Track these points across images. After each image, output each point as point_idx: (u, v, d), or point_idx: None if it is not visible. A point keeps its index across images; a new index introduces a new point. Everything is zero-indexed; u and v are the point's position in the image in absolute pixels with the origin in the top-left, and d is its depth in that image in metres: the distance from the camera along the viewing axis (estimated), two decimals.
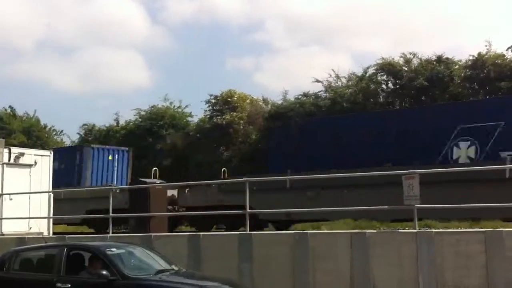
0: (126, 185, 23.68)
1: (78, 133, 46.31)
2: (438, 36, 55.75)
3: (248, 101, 40.25)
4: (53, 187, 16.76)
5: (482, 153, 16.94)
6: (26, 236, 12.97)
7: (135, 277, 7.96)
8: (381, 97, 34.82)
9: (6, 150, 15.82)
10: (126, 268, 8.11)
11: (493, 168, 13.07)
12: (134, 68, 69.97)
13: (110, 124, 44.52)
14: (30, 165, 15.97)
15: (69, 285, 8.07)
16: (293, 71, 62.14)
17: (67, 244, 9.38)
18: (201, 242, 10.91)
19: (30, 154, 16.37)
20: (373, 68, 34.78)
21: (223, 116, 38.43)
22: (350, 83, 35.94)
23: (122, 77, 68.79)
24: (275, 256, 10.14)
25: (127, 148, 28.56)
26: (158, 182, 14.20)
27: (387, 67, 33.94)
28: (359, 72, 35.82)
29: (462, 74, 32.09)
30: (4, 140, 17.01)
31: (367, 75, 35.09)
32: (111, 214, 12.73)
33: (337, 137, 20.25)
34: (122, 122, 44.37)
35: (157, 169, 23.45)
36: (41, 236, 12.78)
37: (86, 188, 23.16)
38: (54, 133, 48.37)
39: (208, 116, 40.76)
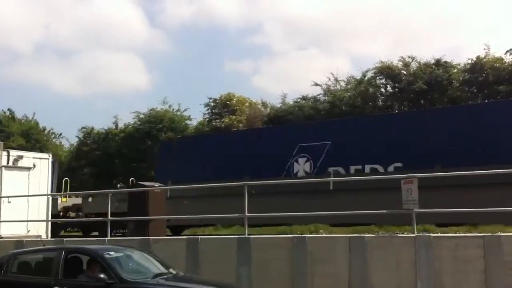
0: None
1: (77, 136, 46.34)
2: (437, 37, 56.02)
3: (247, 104, 40.32)
4: None
5: (315, 168, 19.59)
6: (24, 239, 12.95)
7: (133, 280, 7.94)
8: (380, 100, 34.89)
9: (4, 153, 15.82)
10: (124, 271, 8.09)
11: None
12: (133, 71, 70.08)
13: (109, 127, 44.54)
14: (29, 168, 15.97)
15: None
16: (292, 74, 62.27)
17: (65, 247, 9.35)
18: (199, 245, 10.89)
19: (28, 157, 16.37)
20: (372, 71, 34.92)
21: (222, 120, 38.49)
22: (349, 86, 36.02)
23: (121, 80, 68.87)
24: (274, 260, 10.13)
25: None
26: (157, 185, 14.14)
27: (386, 71, 34.02)
28: (358, 75, 35.98)
29: (461, 78, 32.18)
30: (2, 143, 17.00)
31: (366, 78, 35.18)
32: (109, 217, 12.74)
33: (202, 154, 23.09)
34: (121, 125, 44.40)
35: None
36: (39, 239, 12.76)
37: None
38: (53, 136, 48.35)
39: (207, 119, 40.83)
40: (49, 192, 16.47)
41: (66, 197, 24.48)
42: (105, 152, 41.19)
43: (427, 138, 17.24)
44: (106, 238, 12.35)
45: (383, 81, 34.90)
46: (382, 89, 35.23)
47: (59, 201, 23.66)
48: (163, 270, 8.63)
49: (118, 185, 29.37)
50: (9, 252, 9.51)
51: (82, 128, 45.93)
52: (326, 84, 36.78)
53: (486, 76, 30.82)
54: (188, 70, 72.27)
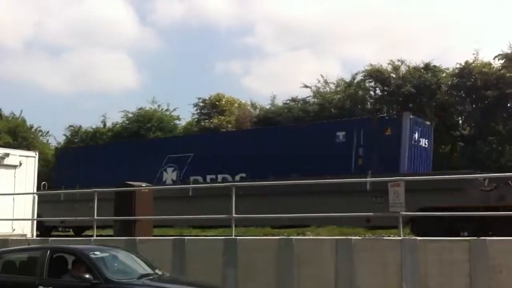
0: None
1: (64, 135, 46.08)
2: (427, 41, 56.28)
3: (236, 105, 40.35)
4: None
5: (180, 177, 21.91)
6: (9, 238, 12.84)
7: (118, 281, 7.89)
8: (369, 103, 35.04)
9: None
10: (109, 271, 8.04)
11: None
12: (123, 70, 69.82)
13: (97, 126, 44.34)
14: (15, 166, 15.84)
15: None
16: (282, 76, 62.37)
17: (51, 247, 9.27)
18: (185, 246, 10.86)
19: (15, 155, 16.23)
20: (362, 74, 35.04)
21: (211, 120, 38.46)
22: (338, 89, 36.16)
23: (110, 78, 68.62)
24: (260, 261, 10.13)
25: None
26: (144, 185, 14.09)
27: (375, 74, 34.18)
28: (348, 78, 36.08)
29: (449, 82, 32.38)
30: None
31: (356, 81, 35.33)
32: (95, 217, 12.68)
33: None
34: (109, 124, 44.23)
35: None
36: (24, 238, 12.65)
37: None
38: (40, 134, 48.02)
39: (196, 119, 40.80)
40: (35, 191, 16.34)
41: None
42: None
43: (265, 152, 20.02)
44: (92, 238, 12.30)
45: (372, 84, 35.06)
46: (371, 92, 35.41)
47: None
48: (149, 270, 8.60)
49: None
50: None
51: (70, 126, 45.73)
52: (315, 86, 36.93)
53: (475, 81, 31.04)
54: (178, 69, 72.25)
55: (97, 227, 19.57)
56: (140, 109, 42.36)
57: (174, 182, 21.34)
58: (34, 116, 75.43)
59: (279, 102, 37.88)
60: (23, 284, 8.33)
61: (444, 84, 32.52)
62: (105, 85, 68.73)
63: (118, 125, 42.97)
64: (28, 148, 32.39)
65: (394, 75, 34.03)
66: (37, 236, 16.08)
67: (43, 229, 20.62)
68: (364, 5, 60.79)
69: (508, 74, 30.53)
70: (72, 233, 24.38)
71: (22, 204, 15.40)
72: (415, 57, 48.98)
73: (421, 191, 14.00)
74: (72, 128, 45.58)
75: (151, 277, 8.33)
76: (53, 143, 47.30)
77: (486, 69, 31.29)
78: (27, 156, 16.51)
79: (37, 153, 17.30)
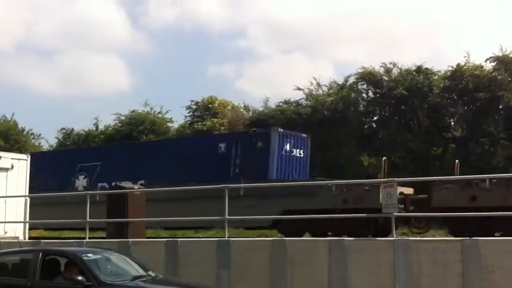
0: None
1: (56, 137, 45.92)
2: (419, 44, 56.42)
3: (229, 107, 40.38)
4: None
5: (90, 183, 23.61)
6: (1, 240, 12.77)
7: (111, 283, 7.87)
8: (361, 106, 35.15)
9: None
10: (102, 274, 8.02)
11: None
12: (115, 73, 69.50)
13: (89, 128, 44.22)
14: (6, 169, 15.74)
15: None
16: (275, 78, 62.28)
17: (43, 249, 9.25)
18: (179, 248, 10.84)
19: (6, 158, 16.11)
20: (354, 77, 35.15)
21: (204, 122, 38.45)
22: (331, 91, 36.25)
23: (102, 81, 68.20)
24: (253, 262, 10.13)
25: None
26: (137, 187, 14.05)
27: (368, 76, 34.30)
28: (340, 80, 36.18)
29: (441, 85, 32.55)
30: None
31: (348, 83, 35.43)
32: (88, 219, 12.64)
33: None
34: (101, 127, 44.11)
35: None
36: (16, 240, 12.60)
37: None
38: (32, 136, 47.84)
39: (189, 122, 40.77)
40: (27, 194, 16.26)
41: None
42: None
43: (163, 161, 22.20)
44: (85, 240, 12.25)
45: (364, 86, 35.19)
46: (364, 95, 35.52)
47: None
48: (142, 272, 8.57)
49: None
50: None
51: (62, 129, 45.57)
52: (308, 88, 37.02)
53: (466, 83, 31.25)
54: (170, 72, 72.04)
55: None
56: (132, 111, 42.31)
57: (85, 188, 22.94)
58: (26, 119, 74.72)
59: (272, 104, 37.99)
60: (16, 286, 8.29)
61: (436, 87, 32.70)
62: (98, 88, 68.50)
63: (110, 128, 42.87)
64: (20, 151, 32.25)
65: (386, 78, 34.18)
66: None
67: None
68: (356, 8, 60.96)
69: (499, 77, 30.77)
70: None
71: (14, 206, 15.31)
72: (407, 60, 49.13)
73: (285, 196, 16.56)
74: (64, 130, 45.46)
75: (144, 278, 8.31)
76: (45, 146, 47.18)
77: (477, 72, 31.50)
78: (19, 159, 16.39)
79: (29, 156, 17.20)
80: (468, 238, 9.47)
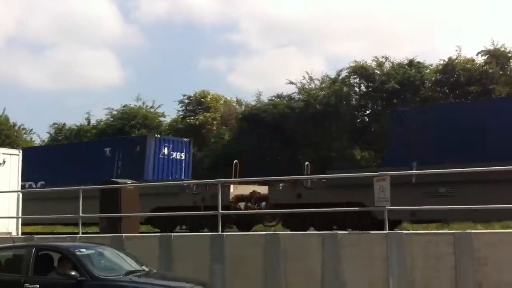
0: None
1: (48, 132, 45.71)
2: (412, 39, 56.51)
3: (221, 101, 40.30)
4: None
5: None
6: None
7: (105, 278, 7.87)
8: (353, 99, 35.18)
9: None
10: (95, 268, 8.02)
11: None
12: (107, 67, 69.33)
13: (81, 123, 44.04)
14: None
15: (38, 286, 7.94)
16: (267, 72, 62.33)
17: (36, 245, 9.22)
18: (172, 242, 10.84)
19: None
20: (346, 71, 35.16)
21: (196, 117, 38.38)
22: (323, 85, 36.24)
23: (94, 75, 68.01)
24: (247, 257, 10.13)
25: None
26: (130, 182, 14.03)
27: (360, 70, 34.32)
28: (332, 74, 36.17)
29: (433, 78, 32.62)
30: None
31: (340, 77, 35.42)
32: (80, 214, 12.60)
33: None
34: (93, 122, 43.95)
35: None
36: (9, 236, 12.54)
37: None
38: (23, 131, 47.60)
39: (181, 116, 40.68)
40: (19, 189, 16.18)
41: None
42: None
43: (65, 163, 23.89)
44: (78, 235, 12.22)
45: (357, 80, 35.20)
46: (356, 88, 35.54)
47: None
48: (136, 267, 8.57)
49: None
50: None
51: (54, 124, 45.38)
52: (300, 82, 36.99)
53: (458, 76, 31.34)
54: (162, 66, 71.89)
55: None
56: (124, 106, 42.19)
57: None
58: (18, 114, 74.72)
59: (265, 98, 37.96)
60: (9, 282, 8.26)
61: (428, 80, 32.78)
62: (90, 82, 68.27)
63: (102, 123, 42.72)
64: (11, 146, 32.07)
65: (378, 72, 34.21)
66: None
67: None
68: (348, 4, 61.04)
69: (490, 70, 30.86)
70: None
71: (7, 202, 15.24)
72: (399, 54, 49.23)
73: (155, 194, 18.06)
74: (56, 125, 45.27)
75: (138, 273, 8.31)
76: (37, 140, 46.99)
77: (469, 65, 31.59)
78: (10, 154, 16.30)
79: (21, 151, 17.11)
80: (460, 231, 9.52)
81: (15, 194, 15.46)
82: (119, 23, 73.92)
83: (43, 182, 23.69)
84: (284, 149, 32.66)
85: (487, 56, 31.96)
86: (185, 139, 25.93)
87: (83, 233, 13.28)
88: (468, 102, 27.10)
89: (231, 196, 18.49)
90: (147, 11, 73.80)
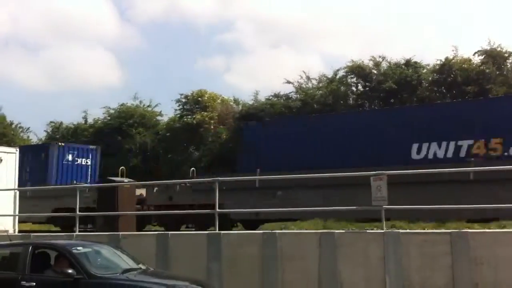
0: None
1: (45, 131, 45.66)
2: (408, 38, 56.59)
3: (219, 101, 40.25)
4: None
5: None
6: None
7: (101, 276, 7.86)
8: (351, 99, 35.22)
9: None
10: (92, 267, 8.01)
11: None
12: (104, 66, 69.31)
13: (78, 122, 44.00)
14: None
15: (34, 284, 7.93)
16: (265, 72, 62.39)
17: (33, 242, 9.21)
18: (169, 241, 10.82)
19: None
20: (343, 70, 35.18)
21: (194, 116, 38.34)
22: (320, 85, 36.26)
23: (91, 75, 68.01)
24: (244, 256, 10.12)
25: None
26: (126, 181, 14.05)
27: (357, 70, 34.36)
28: (330, 74, 36.19)
29: (430, 78, 32.66)
30: None
31: (337, 77, 35.44)
32: (78, 212, 12.58)
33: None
34: (90, 120, 43.90)
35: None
36: (6, 234, 12.52)
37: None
38: (20, 130, 47.55)
39: (179, 115, 40.64)
40: (16, 187, 16.16)
41: None
42: None
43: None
44: (75, 234, 12.20)
45: (354, 80, 35.24)
46: (353, 88, 35.59)
47: None
48: (132, 265, 8.56)
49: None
50: None
51: (51, 122, 45.31)
52: (298, 82, 37.00)
53: (455, 76, 31.39)
54: (159, 66, 71.87)
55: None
56: (121, 105, 42.11)
57: None
58: (15, 113, 74.43)
59: (262, 98, 37.96)
60: (6, 279, 8.25)
61: (425, 80, 32.83)
62: (86, 81, 68.21)
63: (99, 121, 42.66)
64: (8, 144, 32.04)
65: (375, 71, 34.25)
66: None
67: None
68: (345, 4, 61.07)
69: (487, 70, 30.91)
70: None
71: (4, 200, 15.22)
72: (396, 54, 49.31)
73: (56, 196, 19.95)
74: (53, 124, 45.19)
75: (135, 271, 8.30)
76: (34, 139, 46.94)
77: (466, 65, 31.64)
78: (7, 152, 16.30)
79: (18, 149, 17.09)
80: (457, 230, 9.54)
81: (12, 192, 15.44)
82: (115, 23, 73.97)
83: None
84: None
85: (484, 56, 32.01)
86: (92, 146, 28.13)
87: (80, 231, 13.26)
88: (306, 115, 28.72)
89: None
90: (144, 11, 73.88)
